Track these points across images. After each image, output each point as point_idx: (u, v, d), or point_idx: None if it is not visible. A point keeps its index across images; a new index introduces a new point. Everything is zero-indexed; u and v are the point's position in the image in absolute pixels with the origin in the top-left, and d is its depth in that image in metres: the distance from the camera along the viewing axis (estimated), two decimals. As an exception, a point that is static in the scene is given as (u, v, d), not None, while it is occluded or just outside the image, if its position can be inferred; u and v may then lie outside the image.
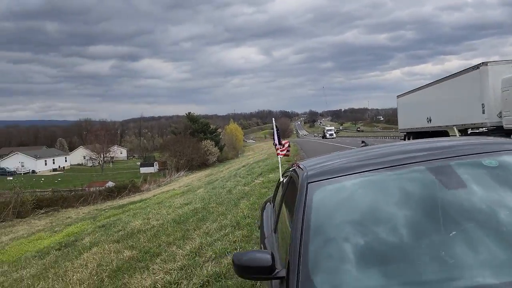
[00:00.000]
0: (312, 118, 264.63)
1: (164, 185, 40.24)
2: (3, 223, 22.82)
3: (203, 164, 57.50)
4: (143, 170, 71.07)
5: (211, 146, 59.06)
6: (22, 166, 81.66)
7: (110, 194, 34.00)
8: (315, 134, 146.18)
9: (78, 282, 5.40)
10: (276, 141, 4.38)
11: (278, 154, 4.26)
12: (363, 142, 3.21)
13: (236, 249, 5.15)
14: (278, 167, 16.16)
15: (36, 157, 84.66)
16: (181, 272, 4.78)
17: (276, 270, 1.61)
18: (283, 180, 3.04)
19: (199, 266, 4.82)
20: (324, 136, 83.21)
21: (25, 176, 74.33)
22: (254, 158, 37.31)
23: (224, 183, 14.48)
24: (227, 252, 5.05)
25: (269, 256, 1.62)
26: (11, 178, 63.95)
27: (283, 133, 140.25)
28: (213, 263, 4.93)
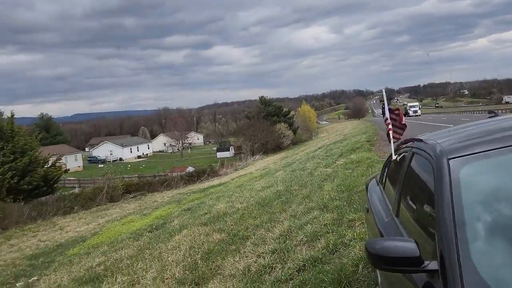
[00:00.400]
0: (388, 96, 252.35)
1: (241, 168, 41.09)
2: (99, 207, 24.79)
3: (278, 147, 57.74)
4: (220, 154, 73.24)
5: (284, 129, 59.04)
6: (111, 154, 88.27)
7: (191, 178, 35.44)
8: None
9: (173, 263, 5.56)
10: (387, 114, 3.78)
11: (389, 130, 3.65)
12: (491, 112, 2.77)
13: (328, 232, 4.95)
14: (358, 148, 15.63)
15: (122, 145, 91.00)
16: (273, 256, 4.70)
17: (426, 262, 1.36)
18: (395, 158, 2.74)
19: (291, 250, 4.69)
20: (406, 114, 73.66)
21: (114, 164, 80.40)
22: (330, 140, 36.58)
23: (304, 165, 14.27)
24: (320, 236, 4.87)
25: (414, 245, 1.38)
26: (102, 165, 69.57)
27: (357, 112, 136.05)
28: (305, 246, 4.78)
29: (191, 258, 5.55)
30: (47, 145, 77.75)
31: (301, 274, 3.97)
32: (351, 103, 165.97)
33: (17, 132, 27.46)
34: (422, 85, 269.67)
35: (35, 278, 8.86)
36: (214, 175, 38.06)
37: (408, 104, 76.55)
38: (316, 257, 4.15)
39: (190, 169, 46.59)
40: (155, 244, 7.41)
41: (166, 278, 5.08)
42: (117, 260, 7.26)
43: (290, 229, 5.56)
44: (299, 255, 4.35)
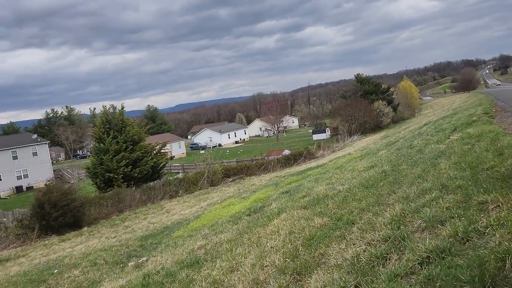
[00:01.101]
0: (504, 64, 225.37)
1: (338, 150, 39.86)
2: (201, 191, 25.84)
3: (377, 127, 55.05)
4: (316, 137, 72.28)
5: (383, 107, 56.01)
6: (210, 140, 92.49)
7: (287, 161, 35.34)
8: (498, 83, 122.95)
9: (273, 249, 5.18)
10: None
11: None
12: None
13: (452, 217, 4.11)
14: (474, 121, 13.79)
15: (220, 131, 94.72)
16: (386, 244, 4.02)
17: None
18: None
19: (408, 238, 3.97)
20: None
21: (214, 149, 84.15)
22: (436, 115, 33.63)
23: (410, 143, 13.00)
24: (443, 221, 4.06)
25: None
26: (203, 151, 73.16)
27: (467, 85, 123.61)
28: (426, 233, 4.02)
29: (291, 244, 5.11)
30: (153, 134, 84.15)
31: (425, 268, 3.27)
32: (458, 75, 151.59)
33: (127, 123, 29.79)
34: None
35: (144, 258, 9.26)
36: (311, 158, 37.47)
37: None
38: (443, 248, 3.39)
39: (287, 152, 46.53)
40: (253, 229, 7.13)
41: (266, 266, 4.70)
42: (217, 243, 7.14)
43: (404, 213, 4.80)
44: (419, 245, 3.62)
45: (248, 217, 9.35)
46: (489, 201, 4.20)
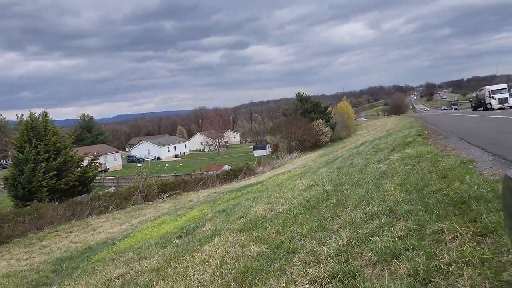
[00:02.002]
0: (429, 91, 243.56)
1: (278, 167, 39.81)
2: (134, 206, 24.25)
3: (315, 145, 56.02)
4: (256, 153, 72.32)
5: (322, 126, 57.25)
6: (149, 153, 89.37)
7: (227, 177, 34.58)
8: (443, 108, 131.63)
9: (200, 285, 4.37)
10: None
11: None
12: None
13: (407, 249, 3.59)
14: (410, 142, 13.96)
15: (160, 144, 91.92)
16: (333, 283, 3.39)
17: None
18: None
19: (359, 275, 3.37)
20: (485, 107, 41.58)
21: (152, 163, 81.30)
22: (372, 136, 34.67)
23: (351, 161, 12.79)
24: (397, 255, 3.52)
25: None
26: (140, 164, 70.30)
27: (397, 108, 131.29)
28: (377, 269, 3.45)
29: (222, 279, 4.33)
30: (88, 145, 79.46)
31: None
32: (390, 99, 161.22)
33: (50, 130, 27.42)
34: (465, 79, 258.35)
35: (54, 287, 7.98)
36: (251, 174, 37.02)
37: (490, 89, 41.86)
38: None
39: (227, 167, 45.77)
40: (181, 255, 6.25)
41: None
42: (139, 273, 6.17)
43: (351, 242, 4.23)
44: (374, 286, 3.02)
45: (178, 239, 8.42)
46: (445, 230, 3.74)
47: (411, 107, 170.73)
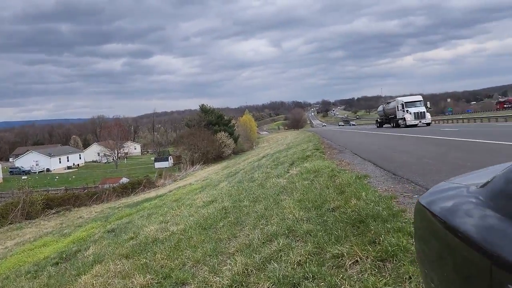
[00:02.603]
0: (325, 108, 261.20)
1: (180, 179, 38.67)
2: (12, 225, 21.38)
3: (219, 157, 55.80)
4: (158, 165, 69.94)
5: (226, 138, 57.34)
6: (37, 164, 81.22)
7: (124, 190, 32.56)
8: (340, 123, 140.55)
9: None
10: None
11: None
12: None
13: (306, 277, 3.26)
14: (308, 156, 14.26)
15: (50, 155, 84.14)
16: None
17: None
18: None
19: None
20: (396, 123, 35.67)
21: (40, 175, 73.90)
22: (273, 149, 35.44)
23: (251, 175, 12.59)
24: (295, 284, 3.16)
25: None
26: (26, 177, 63.32)
27: (296, 123, 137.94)
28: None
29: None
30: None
31: None
32: (290, 114, 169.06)
33: None
34: (355, 98, 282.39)
35: None
36: (151, 187, 35.34)
37: (402, 101, 35.13)
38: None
39: (125, 180, 43.24)
40: (52, 289, 5.28)
41: None
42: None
43: (247, 270, 3.80)
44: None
45: (54, 267, 7.26)
46: (345, 254, 3.49)
47: (308, 122, 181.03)
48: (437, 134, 19.59)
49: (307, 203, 5.90)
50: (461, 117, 55.89)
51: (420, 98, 35.30)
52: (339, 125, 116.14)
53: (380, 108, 44.73)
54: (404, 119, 32.98)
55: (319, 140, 25.52)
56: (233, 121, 71.81)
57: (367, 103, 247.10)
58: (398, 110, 34.95)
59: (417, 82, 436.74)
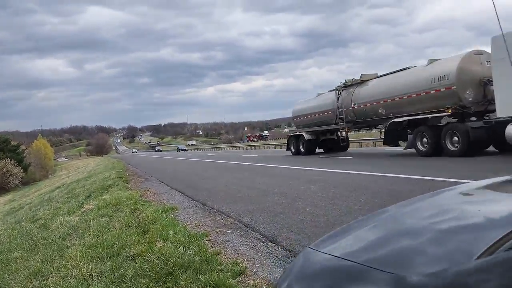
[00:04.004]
0: (131, 134, 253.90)
1: None
2: None
3: (2, 189, 47.00)
4: None
5: (12, 166, 48.89)
6: None
7: None
8: (134, 150, 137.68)
9: None
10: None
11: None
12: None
13: None
14: (110, 185, 12.67)
15: None
16: None
17: None
18: None
19: None
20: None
21: None
22: (71, 178, 31.69)
23: (34, 213, 10.30)
24: None
25: None
26: None
27: (101, 149, 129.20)
28: None
29: None
30: None
31: None
32: (93, 140, 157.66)
33: None
34: (163, 124, 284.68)
35: None
36: None
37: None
38: None
39: None
40: None
41: None
42: None
43: None
44: None
45: None
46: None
47: (114, 148, 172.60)
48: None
49: (101, 250, 4.67)
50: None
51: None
52: (155, 151, 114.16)
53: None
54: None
55: (124, 167, 23.83)
56: (22, 147, 62.20)
57: (174, 129, 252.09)
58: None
59: (219, 111, 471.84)
